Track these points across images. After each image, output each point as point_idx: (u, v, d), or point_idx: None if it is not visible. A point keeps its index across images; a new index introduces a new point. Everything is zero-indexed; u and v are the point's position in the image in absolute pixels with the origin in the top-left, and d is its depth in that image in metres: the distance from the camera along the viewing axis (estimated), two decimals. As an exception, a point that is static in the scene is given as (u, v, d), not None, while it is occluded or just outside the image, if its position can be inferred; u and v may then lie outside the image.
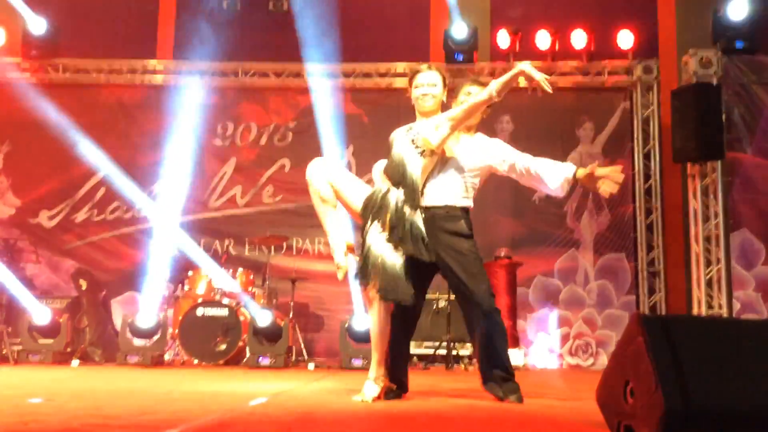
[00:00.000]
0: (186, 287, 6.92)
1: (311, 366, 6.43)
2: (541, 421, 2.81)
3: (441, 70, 3.65)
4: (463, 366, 6.46)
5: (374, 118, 8.00)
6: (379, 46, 8.21)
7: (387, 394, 3.51)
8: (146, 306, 6.71)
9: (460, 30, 7.81)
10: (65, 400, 3.21)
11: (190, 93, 8.12)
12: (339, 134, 7.85)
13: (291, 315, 6.83)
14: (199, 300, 6.69)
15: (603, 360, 7.36)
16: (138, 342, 6.50)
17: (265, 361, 6.24)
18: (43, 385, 4.19)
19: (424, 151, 3.48)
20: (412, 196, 3.42)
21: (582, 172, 3.55)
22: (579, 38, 7.89)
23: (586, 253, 7.70)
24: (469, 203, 3.66)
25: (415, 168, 3.46)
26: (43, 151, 7.83)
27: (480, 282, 3.50)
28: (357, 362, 6.19)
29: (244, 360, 6.47)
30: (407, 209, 3.39)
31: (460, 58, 7.91)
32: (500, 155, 3.68)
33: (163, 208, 7.77)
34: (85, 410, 2.83)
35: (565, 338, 7.52)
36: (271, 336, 6.38)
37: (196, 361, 6.45)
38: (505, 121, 8.03)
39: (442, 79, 3.62)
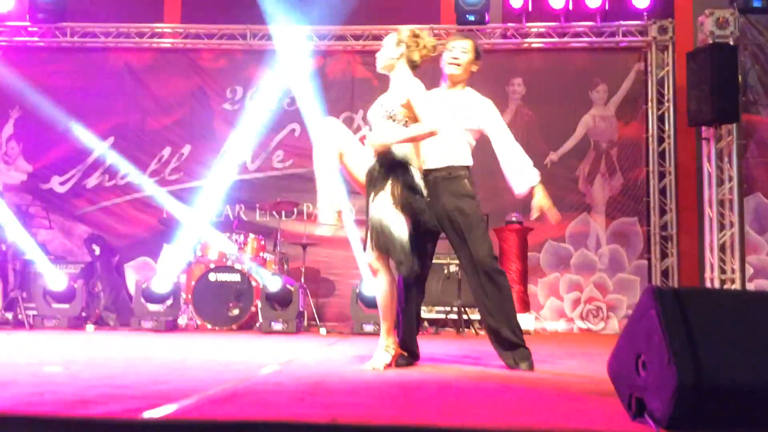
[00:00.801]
0: (198, 252, 6.96)
1: (323, 331, 6.49)
2: (551, 390, 2.82)
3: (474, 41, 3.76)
4: (474, 330, 6.50)
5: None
6: (389, 7, 8.07)
7: (398, 361, 3.53)
8: (161, 271, 6.76)
9: (471, -10, 7.66)
10: (79, 369, 3.25)
11: (198, 56, 8.06)
12: (349, 98, 7.79)
13: (302, 280, 6.87)
14: (212, 265, 6.73)
15: (614, 324, 7.38)
16: (152, 307, 6.56)
17: (277, 326, 6.29)
18: (59, 352, 4.24)
19: (407, 121, 3.44)
20: (406, 166, 3.40)
21: (538, 191, 3.68)
22: (593, -2, 7.72)
23: (597, 218, 7.66)
24: (469, 161, 3.71)
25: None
26: (53, 116, 7.81)
27: (482, 242, 3.53)
28: (368, 327, 6.24)
29: (257, 325, 6.53)
30: (408, 178, 3.38)
31: (472, 19, 7.77)
32: (488, 123, 3.73)
33: (172, 173, 7.78)
34: (99, 379, 2.87)
35: (575, 303, 7.53)
36: (282, 301, 6.43)
37: (209, 326, 6.52)
38: (517, 84, 7.93)
39: (471, 47, 3.70)
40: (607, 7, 7.75)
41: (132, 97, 7.99)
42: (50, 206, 7.66)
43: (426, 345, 4.82)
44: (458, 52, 3.73)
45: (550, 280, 7.58)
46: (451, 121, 3.63)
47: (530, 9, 7.85)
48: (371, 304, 6.20)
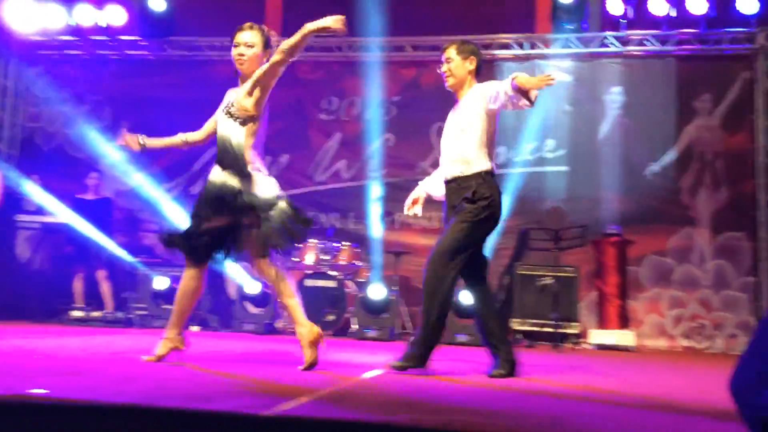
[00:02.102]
0: (295, 258, 7.14)
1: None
2: (663, 408, 2.74)
3: (262, 30, 3.60)
4: (571, 344, 6.37)
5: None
6: (483, 17, 8.06)
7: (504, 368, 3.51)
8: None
9: (568, -3, 7.54)
10: (195, 367, 3.40)
11: (296, 68, 8.28)
12: (441, 108, 7.80)
13: (396, 288, 6.92)
14: (308, 271, 6.89)
15: (719, 343, 7.05)
16: (252, 310, 6.77)
17: (371, 333, 6.37)
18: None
19: (244, 120, 3.43)
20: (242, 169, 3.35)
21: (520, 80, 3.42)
22: (697, 4, 7.44)
23: (702, 232, 7.34)
24: (482, 166, 3.60)
25: (238, 138, 3.42)
26: (161, 126, 8.19)
27: (443, 237, 3.55)
28: (461, 337, 6.22)
29: (351, 331, 6.63)
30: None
31: (569, 27, 7.66)
32: (489, 92, 3.60)
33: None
34: (215, 377, 2.99)
35: (678, 320, 7.23)
36: (377, 309, 6.51)
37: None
38: (616, 92, 7.74)
39: (260, 39, 3.52)
40: (712, 14, 7.46)
41: (234, 107, 8.28)
42: (157, 212, 8.03)
43: (522, 357, 4.76)
44: (444, 66, 3.78)
45: (651, 295, 7.32)
46: (453, 131, 3.66)
47: (630, 16, 7.65)
48: (465, 314, 6.19)
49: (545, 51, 7.87)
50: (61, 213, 7.24)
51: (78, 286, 7.28)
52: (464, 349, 5.90)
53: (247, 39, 3.53)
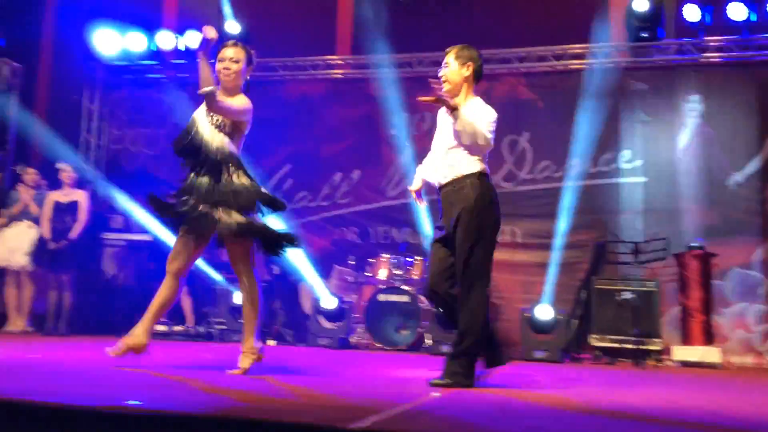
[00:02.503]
0: (368, 273, 7.20)
1: (491, 354, 6.43)
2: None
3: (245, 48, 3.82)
4: (653, 362, 6.17)
5: (550, 103, 7.81)
6: (554, 28, 7.98)
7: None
8: (332, 291, 7.06)
9: (642, 4, 7.39)
10: (279, 380, 3.46)
11: (367, 85, 8.39)
12: (513, 121, 7.75)
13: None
14: (381, 286, 6.93)
15: (812, 360, 6.70)
16: (326, 325, 6.86)
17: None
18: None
19: (225, 126, 3.69)
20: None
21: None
22: (778, 7, 7.15)
23: (792, 244, 7.01)
24: (474, 168, 3.64)
25: (222, 144, 3.69)
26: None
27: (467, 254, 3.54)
28: (539, 354, 6.12)
29: (425, 346, 6.62)
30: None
31: (644, 35, 7.49)
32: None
33: (343, 198, 8.13)
34: (294, 390, 3.04)
35: (766, 335, 6.91)
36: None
37: (379, 345, 6.69)
38: (694, 100, 7.50)
39: (244, 55, 3.77)
40: (797, 17, 7.16)
41: (306, 126, 8.45)
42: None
43: (602, 375, 4.65)
44: (441, 71, 3.79)
45: (737, 310, 7.02)
46: (447, 140, 3.72)
47: (708, 22, 7.43)
48: (543, 329, 6.10)
49: (620, 60, 7.72)
50: (144, 231, 7.53)
51: (187, 303, 7.52)
52: (541, 365, 5.81)
53: (232, 55, 3.76)
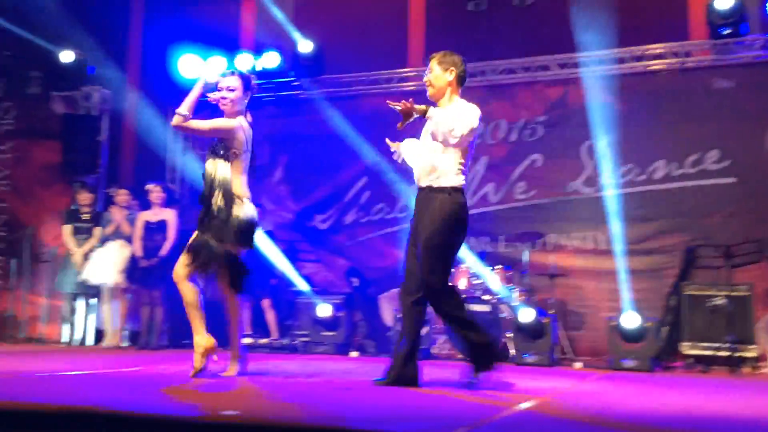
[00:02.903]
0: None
1: (578, 365, 6.32)
2: None
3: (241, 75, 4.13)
4: (750, 369, 5.90)
5: (631, 105, 7.62)
6: (631, 28, 7.79)
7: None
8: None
9: (724, 1, 7.12)
10: (363, 390, 3.50)
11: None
12: (593, 125, 7.61)
13: (552, 312, 6.77)
14: (461, 295, 6.89)
15: None
16: (407, 336, 6.87)
17: (530, 358, 6.26)
18: (339, 373, 4.61)
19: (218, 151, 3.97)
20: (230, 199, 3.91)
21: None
22: None
23: None
24: (451, 181, 3.73)
25: (224, 173, 3.95)
26: (315, 160, 8.62)
27: (432, 268, 3.66)
28: (627, 363, 5.96)
29: (509, 357, 6.54)
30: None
31: (727, 32, 7.22)
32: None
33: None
34: (391, 401, 3.07)
35: None
36: (534, 333, 6.39)
37: (460, 355, 6.65)
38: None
39: (240, 84, 4.05)
40: None
41: (381, 139, 8.50)
42: (315, 242, 8.42)
43: (697, 383, 4.50)
44: (425, 76, 3.96)
45: None
46: (426, 142, 3.83)
47: (796, 14, 7.10)
48: (631, 337, 5.94)
49: (702, 58, 7.47)
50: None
51: (246, 314, 7.73)
52: (631, 374, 5.65)
53: (229, 83, 4.06)
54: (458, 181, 3.78)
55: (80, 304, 8.01)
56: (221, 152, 4.00)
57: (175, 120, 4.00)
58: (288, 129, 8.84)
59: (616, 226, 7.19)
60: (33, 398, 2.80)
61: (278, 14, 8.68)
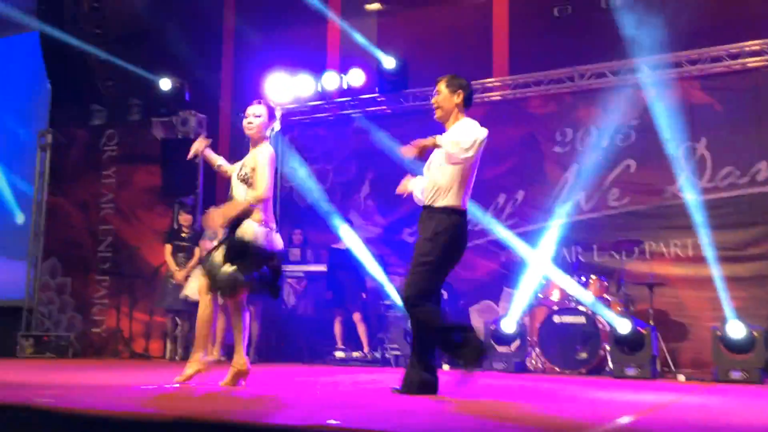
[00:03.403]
0: (540, 295, 7.05)
1: (681, 377, 6.05)
2: None
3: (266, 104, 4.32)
4: None
5: (728, 106, 7.28)
6: (727, 26, 7.47)
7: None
8: (506, 313, 6.99)
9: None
10: (461, 403, 3.48)
11: (527, 104, 8.31)
12: (689, 127, 7.32)
13: (650, 322, 6.52)
14: (555, 307, 6.76)
15: None
16: (501, 348, 6.79)
17: (630, 371, 6.04)
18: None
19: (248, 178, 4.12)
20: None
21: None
22: None
23: None
24: (450, 201, 3.84)
25: (240, 195, 4.12)
26: (401, 174, 8.66)
27: (413, 283, 3.78)
28: (736, 374, 5.65)
29: (607, 369, 6.34)
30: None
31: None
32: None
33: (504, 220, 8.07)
34: (488, 411, 3.04)
35: None
36: (633, 345, 6.17)
37: (557, 369, 6.51)
38: None
39: (265, 111, 4.25)
40: None
41: (467, 150, 8.49)
42: (404, 255, 8.44)
43: None
44: (434, 98, 4.07)
45: None
46: (437, 161, 3.91)
47: None
48: (738, 348, 5.64)
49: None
50: (319, 262, 7.92)
51: (338, 328, 7.85)
52: (738, 386, 5.36)
53: (255, 111, 4.29)
54: (458, 202, 3.88)
55: (181, 321, 8.36)
56: (248, 179, 4.19)
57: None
58: (374, 144, 8.93)
59: (716, 232, 6.86)
60: (139, 409, 2.94)
61: (362, 32, 8.84)
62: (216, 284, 4.06)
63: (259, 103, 4.38)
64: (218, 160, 4.48)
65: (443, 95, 4.07)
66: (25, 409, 2.84)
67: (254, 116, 4.30)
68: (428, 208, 3.94)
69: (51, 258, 10.06)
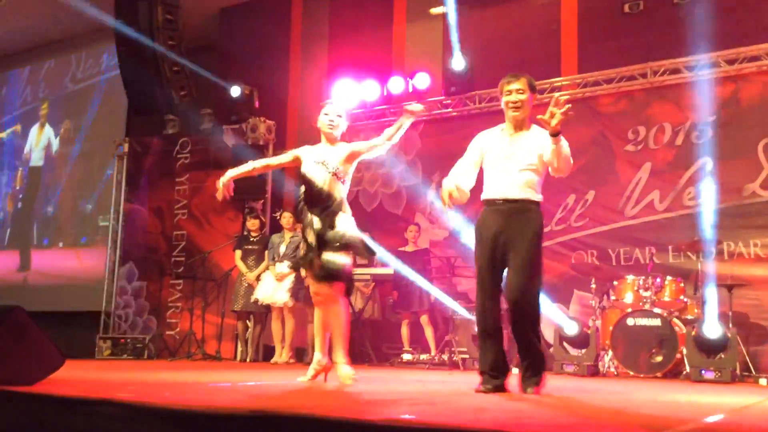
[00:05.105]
0: (612, 297, 6.87)
1: (763, 381, 5.78)
2: None
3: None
4: None
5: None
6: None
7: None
8: (573, 316, 6.84)
9: None
10: (534, 404, 3.42)
11: (597, 102, 8.13)
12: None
13: (731, 325, 6.25)
14: (628, 310, 6.57)
15: None
16: (572, 351, 6.65)
17: (708, 374, 5.81)
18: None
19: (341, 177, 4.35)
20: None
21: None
22: None
23: None
24: (539, 197, 3.91)
25: (338, 191, 4.33)
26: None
27: (520, 274, 3.79)
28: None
29: (684, 373, 6.12)
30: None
31: None
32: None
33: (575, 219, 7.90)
34: (563, 410, 2.98)
35: None
36: (713, 348, 5.93)
37: (630, 373, 6.32)
38: None
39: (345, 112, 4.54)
40: None
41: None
42: (468, 259, 8.37)
43: None
44: (515, 95, 3.94)
45: None
46: (519, 161, 3.89)
47: None
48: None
49: None
50: (386, 265, 7.93)
51: (405, 331, 7.84)
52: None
53: (338, 110, 4.48)
54: (542, 196, 3.96)
55: (252, 323, 8.52)
56: (339, 173, 4.39)
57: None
58: (440, 147, 8.91)
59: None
60: (214, 403, 3.00)
61: (427, 36, 8.84)
62: (329, 273, 4.19)
63: (339, 103, 4.60)
64: (246, 168, 4.72)
65: (527, 96, 3.99)
66: (106, 403, 2.94)
67: (337, 116, 4.46)
68: (520, 202, 3.88)
69: (128, 263, 10.43)
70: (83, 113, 12.11)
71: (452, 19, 8.52)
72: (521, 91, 3.96)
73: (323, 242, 4.22)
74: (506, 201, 3.89)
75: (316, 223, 4.25)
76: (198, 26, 10.87)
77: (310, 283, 4.45)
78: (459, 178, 4.02)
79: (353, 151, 4.43)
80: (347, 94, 9.16)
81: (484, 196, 4.03)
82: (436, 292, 7.74)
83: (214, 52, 11.01)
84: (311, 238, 4.24)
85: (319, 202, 4.28)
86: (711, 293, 6.43)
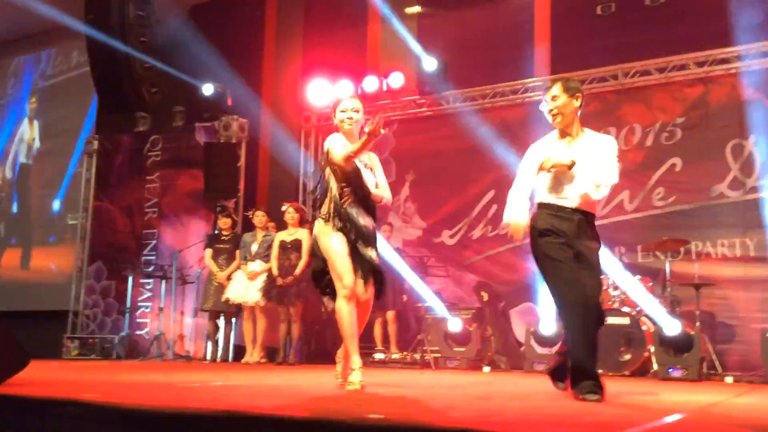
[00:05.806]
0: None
1: (729, 379, 5.88)
2: None
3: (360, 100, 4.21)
4: None
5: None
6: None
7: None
8: (546, 315, 6.89)
9: None
10: (503, 401, 3.44)
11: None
12: (736, 124, 7.14)
13: (698, 324, 6.35)
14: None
15: None
16: (541, 350, 6.70)
17: (675, 372, 5.90)
18: (487, 387, 4.56)
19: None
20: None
21: None
22: None
23: None
24: (596, 209, 3.82)
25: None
26: (441, 176, 8.65)
27: (597, 283, 3.80)
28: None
29: (651, 371, 6.20)
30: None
31: None
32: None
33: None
34: (528, 410, 3.00)
35: None
36: (679, 347, 6.02)
37: (600, 371, 6.37)
38: None
39: (362, 106, 4.17)
40: None
41: (507, 151, 8.41)
42: (443, 258, 8.41)
43: None
44: (551, 104, 3.71)
45: None
46: (584, 169, 3.64)
47: None
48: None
49: None
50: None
51: (377, 330, 7.83)
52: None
53: (354, 105, 4.18)
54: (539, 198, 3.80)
55: (222, 323, 8.45)
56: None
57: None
58: (413, 146, 8.94)
59: (765, 232, 6.66)
60: (182, 403, 2.97)
61: (402, 35, 8.84)
62: (376, 270, 4.10)
63: (355, 97, 4.30)
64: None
65: (563, 100, 3.70)
66: (71, 404, 2.90)
67: (353, 111, 4.17)
68: (586, 215, 3.72)
69: (96, 262, 10.28)
70: (53, 110, 11.91)
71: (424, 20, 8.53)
72: (556, 98, 3.72)
73: (366, 239, 4.06)
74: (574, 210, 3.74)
75: (361, 220, 4.08)
76: (170, 23, 10.73)
77: (353, 281, 4.04)
78: (522, 211, 3.79)
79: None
80: (321, 93, 9.14)
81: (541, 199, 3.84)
82: (409, 292, 7.74)
83: (186, 49, 10.89)
84: (354, 233, 4.03)
85: (365, 201, 4.13)
86: (678, 293, 6.53)
